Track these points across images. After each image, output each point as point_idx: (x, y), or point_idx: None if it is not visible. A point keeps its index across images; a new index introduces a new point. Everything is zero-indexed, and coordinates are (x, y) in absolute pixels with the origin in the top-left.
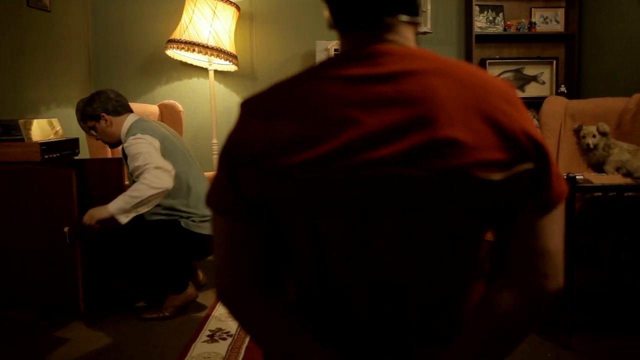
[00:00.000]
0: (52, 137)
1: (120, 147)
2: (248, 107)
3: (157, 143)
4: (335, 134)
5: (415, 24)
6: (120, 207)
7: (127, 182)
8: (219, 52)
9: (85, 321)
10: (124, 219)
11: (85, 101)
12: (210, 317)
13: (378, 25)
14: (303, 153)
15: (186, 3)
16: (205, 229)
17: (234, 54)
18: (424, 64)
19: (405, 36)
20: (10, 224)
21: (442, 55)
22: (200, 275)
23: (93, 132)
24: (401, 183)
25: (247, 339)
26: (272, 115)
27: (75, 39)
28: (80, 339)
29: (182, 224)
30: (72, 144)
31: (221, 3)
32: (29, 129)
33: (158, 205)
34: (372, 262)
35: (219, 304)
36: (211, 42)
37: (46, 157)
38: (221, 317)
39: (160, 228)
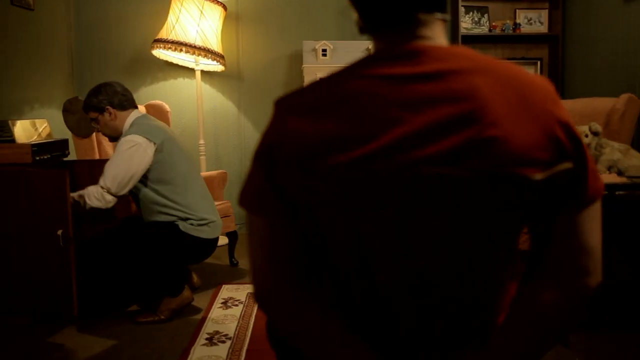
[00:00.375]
0: (35, 139)
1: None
2: (286, 105)
3: (150, 149)
4: (379, 133)
5: (444, 21)
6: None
7: None
8: (206, 52)
9: (78, 326)
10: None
11: (91, 91)
12: (207, 320)
13: (413, 24)
14: (347, 153)
15: (172, 2)
16: (204, 232)
17: (221, 54)
18: (465, 62)
19: (439, 34)
20: (0, 228)
21: (479, 53)
22: (195, 277)
23: (94, 124)
24: (446, 182)
25: (247, 342)
26: (313, 114)
27: (58, 38)
28: (75, 345)
29: (181, 227)
30: (61, 145)
31: (208, 2)
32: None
33: (156, 204)
34: (413, 261)
35: (214, 306)
36: (198, 42)
37: (37, 158)
38: (218, 320)
39: (158, 231)
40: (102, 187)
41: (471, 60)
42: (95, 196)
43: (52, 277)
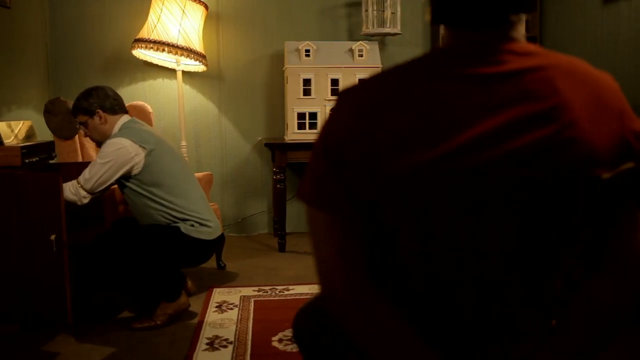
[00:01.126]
0: (11, 140)
1: None
2: (354, 98)
3: (139, 154)
4: (455, 132)
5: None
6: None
7: None
8: (189, 52)
9: (72, 334)
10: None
11: (81, 94)
12: (204, 324)
13: (503, 24)
14: (422, 152)
15: (153, 2)
16: (204, 234)
17: (203, 54)
18: (543, 60)
19: (521, 32)
20: None
21: (551, 51)
22: (190, 283)
23: (83, 128)
24: (520, 181)
25: (250, 346)
26: (384, 110)
27: (34, 37)
28: (71, 353)
29: (182, 229)
30: (48, 148)
31: (190, 2)
32: None
33: (154, 207)
34: (481, 258)
35: (209, 310)
36: (181, 42)
37: (27, 161)
38: (215, 324)
39: (157, 233)
40: (78, 182)
41: (546, 58)
42: (71, 190)
43: (44, 283)
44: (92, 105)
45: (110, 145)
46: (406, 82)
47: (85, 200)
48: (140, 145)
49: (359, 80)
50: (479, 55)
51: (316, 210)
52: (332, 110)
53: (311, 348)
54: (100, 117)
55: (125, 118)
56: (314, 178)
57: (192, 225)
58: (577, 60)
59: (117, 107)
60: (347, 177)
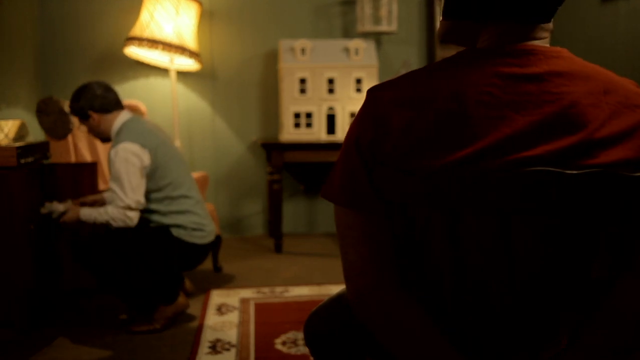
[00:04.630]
0: (2, 141)
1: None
2: (385, 96)
3: (146, 157)
4: (486, 132)
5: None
6: (89, 218)
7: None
8: (183, 50)
9: (70, 338)
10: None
11: (72, 96)
12: (204, 327)
13: (547, 17)
14: (454, 152)
15: None
16: (197, 238)
17: (197, 53)
18: (568, 64)
19: (548, 35)
20: None
21: (575, 56)
22: (188, 283)
23: (86, 131)
24: (551, 182)
25: (253, 350)
26: (416, 108)
27: (23, 35)
28: (68, 358)
29: (174, 233)
30: (42, 148)
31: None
32: None
33: (148, 211)
34: (513, 260)
35: (208, 313)
36: (175, 40)
37: (22, 161)
38: (215, 327)
39: (151, 238)
40: (122, 208)
41: (571, 63)
42: (120, 218)
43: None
44: (82, 109)
45: (118, 154)
46: (438, 82)
47: (136, 220)
48: (143, 147)
49: (390, 79)
50: (506, 54)
51: (346, 210)
52: (362, 108)
53: (325, 352)
54: (94, 119)
55: (124, 115)
56: (345, 177)
57: (185, 230)
58: (599, 68)
59: (109, 105)
60: (380, 175)
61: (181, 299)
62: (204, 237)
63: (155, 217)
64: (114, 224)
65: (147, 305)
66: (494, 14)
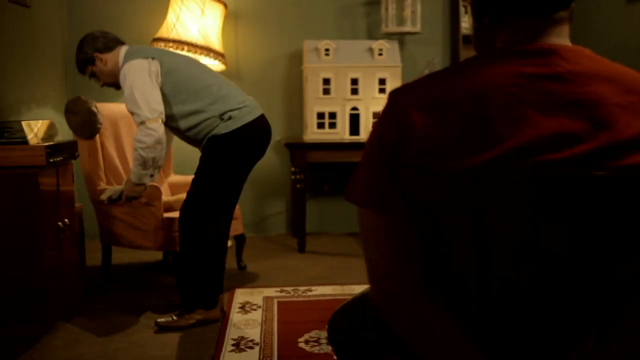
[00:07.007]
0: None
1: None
2: (408, 97)
3: (153, 65)
4: (511, 134)
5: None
6: (138, 175)
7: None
8: (208, 51)
9: (96, 333)
10: (147, 180)
11: (76, 52)
12: (228, 325)
13: (554, 18)
14: (478, 154)
15: (172, 1)
16: (247, 114)
17: (222, 53)
18: (591, 64)
19: (567, 33)
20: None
21: (597, 55)
22: (224, 300)
23: (95, 80)
24: (579, 185)
25: (276, 348)
26: (439, 110)
27: (52, 36)
28: (94, 352)
29: (224, 130)
30: (71, 147)
31: (209, 1)
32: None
33: (189, 115)
34: (539, 263)
35: (232, 310)
36: (200, 41)
37: (51, 160)
38: (239, 325)
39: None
40: (141, 125)
41: (595, 63)
42: (143, 137)
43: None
44: (87, 53)
45: (127, 73)
46: (460, 83)
47: (162, 130)
48: (150, 57)
49: (411, 81)
50: (527, 53)
51: (370, 212)
52: (385, 109)
53: (348, 351)
54: (101, 60)
55: (124, 49)
56: (368, 179)
57: (231, 119)
58: (623, 67)
59: (110, 42)
60: (404, 177)
61: (216, 311)
62: (253, 111)
63: (199, 118)
64: (145, 147)
65: (190, 302)
66: (510, 8)
